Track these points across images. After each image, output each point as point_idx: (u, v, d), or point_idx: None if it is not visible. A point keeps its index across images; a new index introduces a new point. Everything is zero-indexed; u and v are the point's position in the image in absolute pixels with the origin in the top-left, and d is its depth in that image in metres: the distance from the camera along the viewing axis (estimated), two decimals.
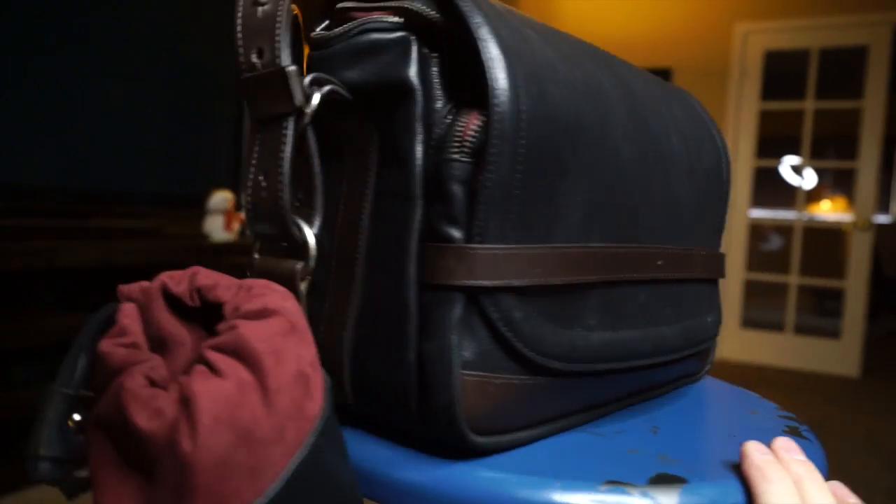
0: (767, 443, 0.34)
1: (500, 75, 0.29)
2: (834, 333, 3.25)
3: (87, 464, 0.26)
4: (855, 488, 1.77)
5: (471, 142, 0.29)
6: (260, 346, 0.25)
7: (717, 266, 0.45)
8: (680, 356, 0.41)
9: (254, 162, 0.31)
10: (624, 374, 0.38)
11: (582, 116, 0.32)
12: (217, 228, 2.10)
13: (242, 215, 2.22)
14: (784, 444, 0.33)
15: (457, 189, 0.30)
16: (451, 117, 0.31)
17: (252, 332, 0.25)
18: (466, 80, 0.31)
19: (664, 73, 3.43)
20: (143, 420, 0.23)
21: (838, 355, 3.21)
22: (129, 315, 0.28)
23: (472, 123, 0.30)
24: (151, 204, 2.00)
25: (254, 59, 0.30)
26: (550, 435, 0.36)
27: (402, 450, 0.33)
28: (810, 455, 0.35)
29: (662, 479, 0.31)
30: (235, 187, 2.32)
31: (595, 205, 0.33)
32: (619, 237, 0.35)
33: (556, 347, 0.33)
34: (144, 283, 0.29)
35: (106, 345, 0.26)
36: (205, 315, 0.29)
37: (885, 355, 3.81)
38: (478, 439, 0.31)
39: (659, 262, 0.37)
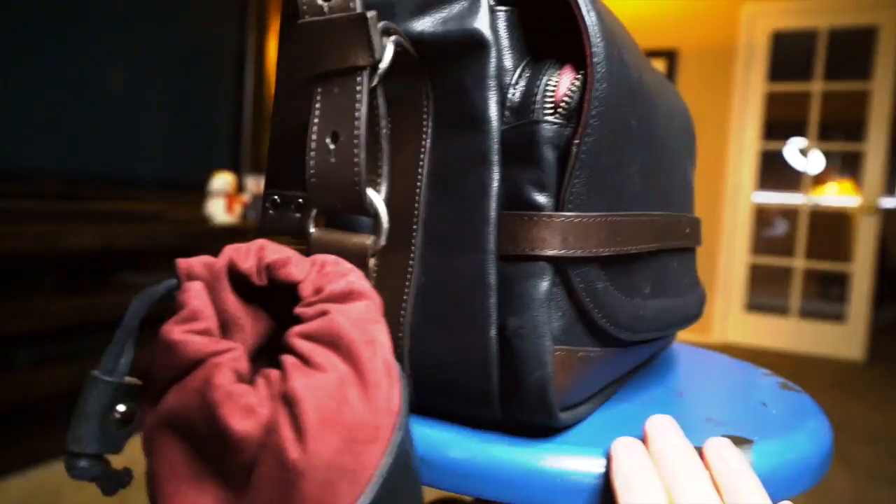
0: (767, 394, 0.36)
1: (598, 34, 0.27)
2: (839, 317, 3.24)
3: (148, 469, 0.23)
4: (854, 476, 1.76)
5: (566, 103, 0.27)
6: (356, 335, 0.22)
7: (700, 233, 0.45)
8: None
9: (316, 122, 0.27)
10: (656, 341, 0.39)
11: (643, 84, 0.32)
12: (219, 211, 2.07)
13: (244, 197, 2.19)
14: (659, 426, 0.28)
15: (548, 153, 0.27)
16: (528, 75, 0.27)
17: (346, 319, 0.22)
18: (539, 37, 0.28)
19: (670, 54, 3.38)
20: (237, 421, 0.20)
21: (843, 339, 3.20)
22: (198, 296, 0.24)
23: (564, 83, 0.27)
24: (153, 187, 1.97)
25: (320, 0, 0.26)
26: (598, 407, 0.35)
27: (466, 431, 0.30)
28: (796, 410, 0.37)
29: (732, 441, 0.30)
30: (237, 169, 2.29)
31: (647, 172, 0.33)
32: (663, 205, 0.35)
33: (627, 318, 0.32)
34: (208, 259, 0.25)
35: (177, 332, 0.23)
36: (266, 294, 0.25)
37: (891, 344, 3.81)
38: (563, 416, 0.30)
39: (687, 230, 0.37)
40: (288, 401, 0.20)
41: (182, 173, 2.09)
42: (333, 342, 0.22)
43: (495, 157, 0.28)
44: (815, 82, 3.18)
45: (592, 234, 0.28)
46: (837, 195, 3.58)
